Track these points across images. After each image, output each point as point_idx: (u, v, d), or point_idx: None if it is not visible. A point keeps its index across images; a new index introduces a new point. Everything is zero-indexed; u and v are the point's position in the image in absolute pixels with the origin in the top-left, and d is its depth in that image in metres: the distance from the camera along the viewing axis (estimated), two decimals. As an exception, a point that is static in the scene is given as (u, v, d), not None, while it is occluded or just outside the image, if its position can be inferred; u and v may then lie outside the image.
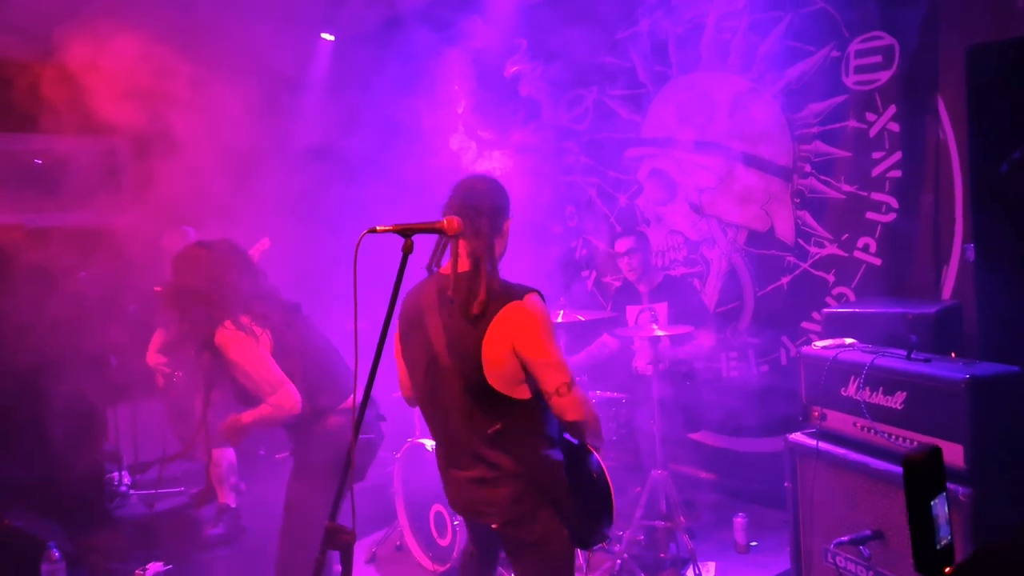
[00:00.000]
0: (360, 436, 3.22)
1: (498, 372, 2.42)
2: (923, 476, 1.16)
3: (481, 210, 2.48)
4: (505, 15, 5.74)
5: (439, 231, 2.26)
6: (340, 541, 2.19)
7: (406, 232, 2.21)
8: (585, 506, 2.58)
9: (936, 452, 1.21)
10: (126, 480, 5.46)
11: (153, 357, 5.02)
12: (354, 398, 2.23)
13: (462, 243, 2.46)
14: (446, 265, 2.52)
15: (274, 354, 3.07)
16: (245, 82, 5.36)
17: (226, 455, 5.07)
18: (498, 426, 2.47)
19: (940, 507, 1.19)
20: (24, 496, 4.29)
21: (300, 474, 3.26)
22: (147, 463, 5.83)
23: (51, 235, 5.45)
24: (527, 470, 2.49)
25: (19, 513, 4.12)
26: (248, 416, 3.11)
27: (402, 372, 2.71)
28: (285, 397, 3.03)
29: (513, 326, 2.41)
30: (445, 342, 2.47)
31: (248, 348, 3.02)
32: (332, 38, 6.38)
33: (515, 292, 2.45)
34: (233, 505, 5.08)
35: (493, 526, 2.54)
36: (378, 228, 2.23)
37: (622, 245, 4.63)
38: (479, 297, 2.42)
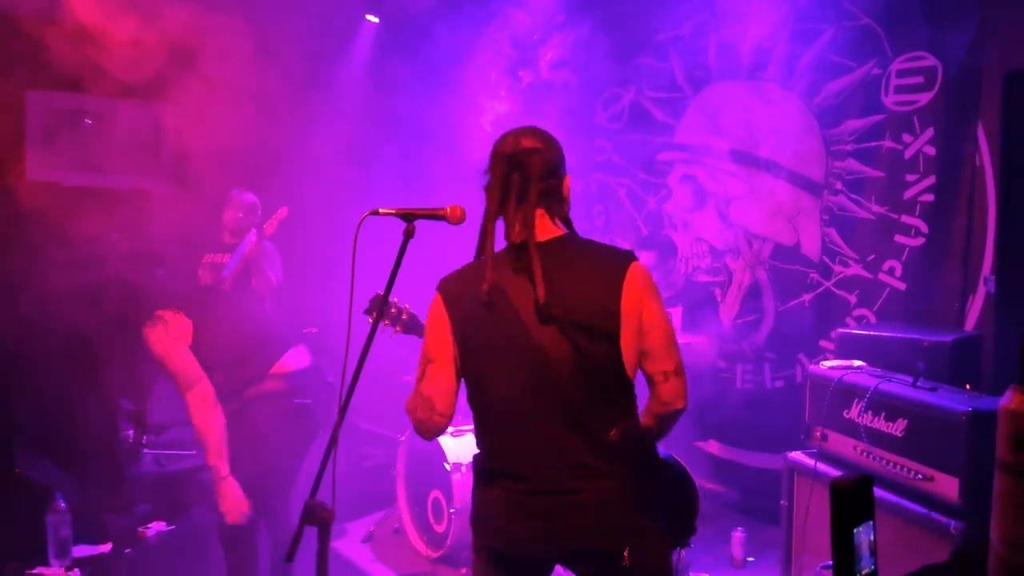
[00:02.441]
0: (296, 400, 3.40)
1: (630, 350, 2.02)
2: (848, 503, 1.15)
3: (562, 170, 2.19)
4: (547, 8, 5.73)
5: (442, 218, 2.26)
6: (318, 518, 2.20)
7: (408, 216, 2.23)
8: (682, 503, 2.27)
9: (867, 480, 1.20)
10: (142, 439, 5.57)
11: None
12: (342, 385, 2.25)
13: (539, 211, 2.10)
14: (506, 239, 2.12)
15: (194, 347, 3.30)
16: (287, 59, 5.44)
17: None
18: (619, 423, 2.04)
19: (864, 535, 1.18)
20: (37, 445, 4.40)
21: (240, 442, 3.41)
22: (164, 424, 5.94)
23: (89, 195, 5.56)
24: (639, 473, 2.07)
25: (30, 461, 4.23)
26: (211, 458, 3.27)
27: (443, 384, 2.11)
28: (202, 388, 3.28)
29: (642, 291, 2.03)
30: (556, 320, 1.99)
31: (166, 345, 3.31)
32: (377, 20, 6.41)
33: (625, 252, 2.11)
34: None
35: (625, 557, 1.99)
36: (380, 211, 2.26)
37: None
38: (605, 254, 2.08)
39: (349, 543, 4.68)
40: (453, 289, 2.12)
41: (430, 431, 2.15)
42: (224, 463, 3.22)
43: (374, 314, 2.66)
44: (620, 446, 2.02)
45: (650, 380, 2.09)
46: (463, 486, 4.17)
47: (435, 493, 4.31)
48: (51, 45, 4.70)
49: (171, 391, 5.56)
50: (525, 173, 2.08)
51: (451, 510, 4.14)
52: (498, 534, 2.09)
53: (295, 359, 3.48)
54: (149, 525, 4.32)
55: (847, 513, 1.13)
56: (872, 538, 1.20)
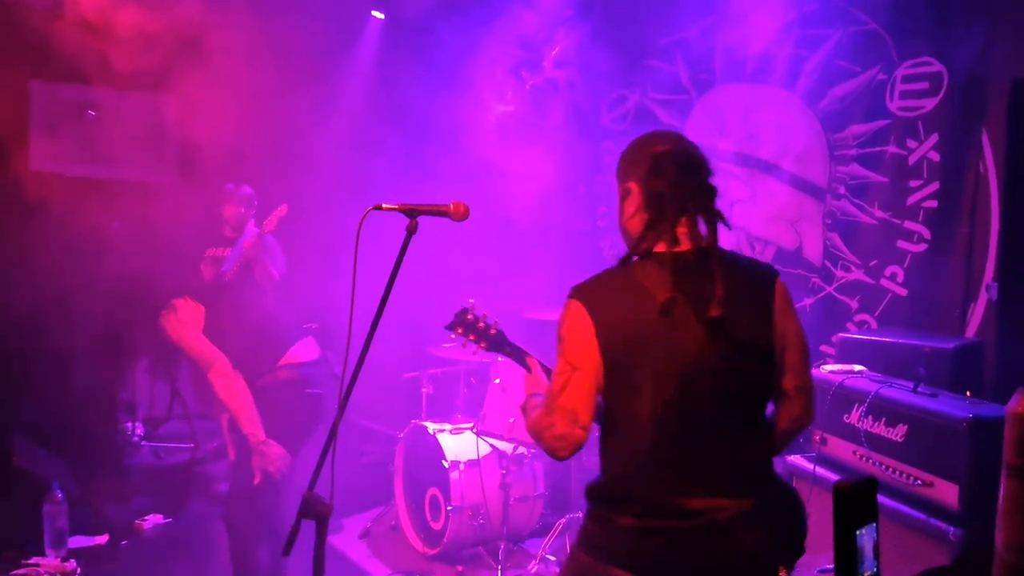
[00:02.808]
0: (308, 390, 3.46)
1: (780, 362, 1.98)
2: (853, 505, 1.14)
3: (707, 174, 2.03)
4: (553, 8, 5.72)
5: (445, 214, 2.25)
6: (315, 511, 2.20)
7: (412, 212, 2.23)
8: (796, 522, 2.12)
9: (871, 483, 1.19)
10: (139, 431, 5.58)
11: None
12: (343, 380, 2.25)
13: (698, 217, 1.95)
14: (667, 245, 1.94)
15: (207, 330, 3.44)
16: (290, 53, 5.44)
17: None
18: (769, 436, 2.01)
19: (867, 537, 1.17)
20: (36, 435, 4.40)
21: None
22: (161, 417, 5.95)
23: (91, 185, 5.56)
24: (780, 495, 2.01)
25: (28, 451, 4.23)
26: (245, 426, 3.39)
27: (587, 395, 1.92)
28: (220, 366, 3.40)
29: (787, 306, 1.99)
30: (723, 336, 1.87)
31: (181, 330, 3.47)
32: (382, 16, 6.41)
33: (769, 266, 2.06)
34: None
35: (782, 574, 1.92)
36: (384, 206, 2.25)
37: None
38: (754, 268, 2.01)
39: (345, 539, 4.67)
40: (600, 298, 1.94)
41: (571, 447, 1.92)
42: (259, 428, 3.33)
43: (459, 329, 2.55)
44: (766, 468, 1.96)
45: (783, 396, 2.02)
46: (461, 484, 4.17)
47: (433, 491, 4.31)
48: (56, 36, 4.70)
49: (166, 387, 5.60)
50: (697, 176, 1.97)
51: (449, 507, 4.14)
52: (645, 565, 1.88)
53: (304, 351, 3.56)
54: (146, 517, 4.32)
55: (850, 515, 1.12)
56: (875, 540, 1.19)
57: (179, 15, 4.87)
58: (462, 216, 2.26)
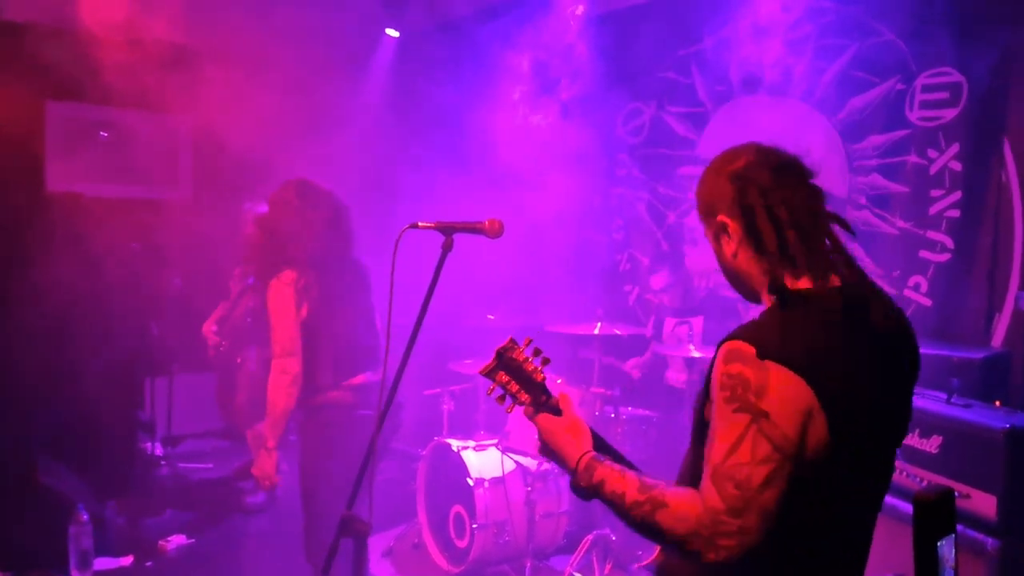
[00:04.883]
0: (361, 411, 3.31)
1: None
2: (933, 516, 1.13)
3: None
4: (570, 22, 5.75)
5: (480, 231, 2.25)
6: (355, 530, 2.19)
7: (447, 230, 2.23)
8: None
9: (948, 493, 1.18)
10: (158, 451, 5.57)
11: (208, 326, 5.08)
12: (381, 394, 2.24)
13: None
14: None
15: (304, 324, 3.18)
16: (307, 69, 5.47)
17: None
18: None
19: (947, 549, 1.15)
20: (57, 456, 4.39)
21: (302, 450, 3.39)
22: (180, 436, 5.95)
23: (108, 205, 5.58)
24: None
25: (52, 471, 4.22)
26: (267, 427, 3.25)
27: (783, 493, 1.42)
28: (291, 365, 3.16)
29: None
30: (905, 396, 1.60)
31: (284, 305, 3.15)
32: (397, 34, 6.44)
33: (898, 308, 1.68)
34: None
35: None
36: (420, 224, 2.26)
37: (658, 282, 4.61)
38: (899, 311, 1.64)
39: (369, 558, 4.64)
40: (811, 358, 1.45)
41: (743, 551, 1.41)
42: (274, 437, 3.23)
43: (501, 375, 1.83)
44: None
45: None
46: (486, 501, 4.15)
47: (457, 508, 4.29)
48: (72, 57, 4.74)
49: (192, 403, 5.61)
50: (796, 179, 1.65)
51: (474, 525, 4.11)
52: None
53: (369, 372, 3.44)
54: (170, 538, 4.31)
55: (930, 526, 1.11)
56: (955, 552, 1.18)
57: (195, 38, 4.92)
58: (497, 233, 2.26)
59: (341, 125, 6.03)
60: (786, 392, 1.42)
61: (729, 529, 1.39)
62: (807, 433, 1.42)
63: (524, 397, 1.81)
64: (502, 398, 1.84)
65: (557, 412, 1.77)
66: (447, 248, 2.23)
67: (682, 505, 1.45)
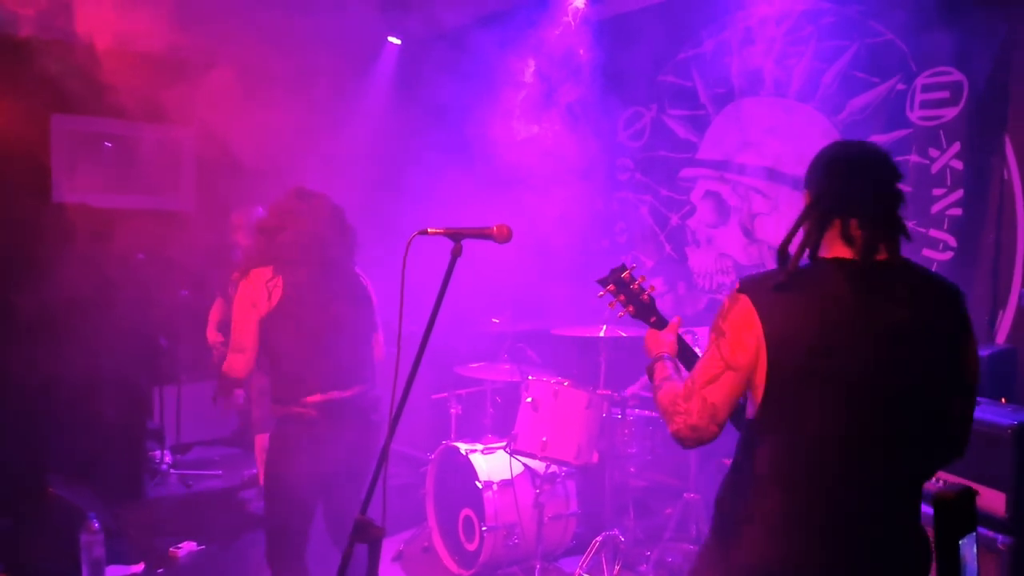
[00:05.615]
0: (373, 416, 3.28)
1: (959, 387, 1.95)
2: (953, 515, 1.15)
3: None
4: (571, 26, 5.77)
5: (489, 236, 2.27)
6: (369, 535, 2.21)
7: (456, 236, 2.25)
8: None
9: (968, 492, 1.19)
10: (167, 459, 5.59)
11: (212, 334, 5.07)
12: (392, 401, 2.26)
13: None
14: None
15: (264, 323, 3.12)
16: (308, 80, 5.49)
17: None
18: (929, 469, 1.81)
19: (968, 547, 1.17)
20: (67, 466, 4.42)
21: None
22: (188, 444, 5.97)
23: (113, 216, 5.61)
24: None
25: (61, 481, 4.25)
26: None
27: (734, 396, 1.89)
28: (236, 361, 3.15)
29: (969, 326, 1.93)
30: (921, 357, 1.83)
31: (243, 303, 3.13)
32: (399, 42, 6.47)
33: (953, 285, 1.96)
34: None
35: None
36: (429, 230, 2.28)
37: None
38: (942, 286, 1.91)
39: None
40: (774, 299, 1.83)
41: (700, 441, 1.90)
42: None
43: (611, 287, 2.45)
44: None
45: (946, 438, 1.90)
46: (495, 504, 4.17)
47: (466, 511, 4.31)
48: (76, 70, 4.76)
49: (201, 411, 5.63)
50: (873, 179, 1.89)
51: (483, 528, 4.13)
52: None
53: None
54: (180, 545, 4.33)
55: (952, 525, 1.13)
56: (975, 551, 1.20)
57: (198, 48, 4.94)
58: (505, 238, 2.27)
59: (344, 133, 6.06)
60: (742, 316, 1.84)
61: (678, 409, 1.90)
62: (755, 350, 1.81)
63: (629, 309, 2.43)
64: (612, 304, 2.47)
65: (662, 326, 2.34)
66: (456, 254, 2.24)
67: (670, 391, 1.98)
